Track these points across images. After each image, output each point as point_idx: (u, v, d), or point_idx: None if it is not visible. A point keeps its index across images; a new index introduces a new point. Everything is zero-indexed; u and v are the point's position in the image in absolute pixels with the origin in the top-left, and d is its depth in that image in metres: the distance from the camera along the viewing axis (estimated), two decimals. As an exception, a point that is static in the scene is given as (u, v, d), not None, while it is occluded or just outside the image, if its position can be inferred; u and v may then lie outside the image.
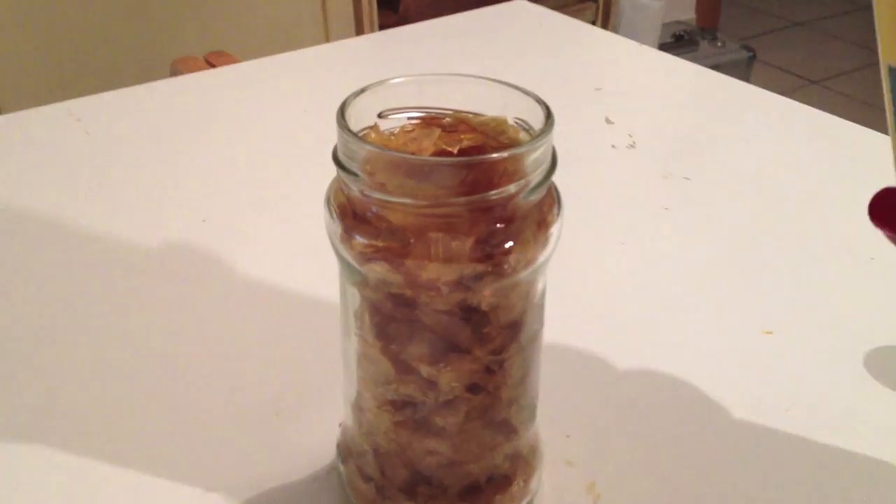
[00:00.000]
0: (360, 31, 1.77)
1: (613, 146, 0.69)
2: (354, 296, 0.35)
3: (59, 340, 0.49)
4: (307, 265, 0.55)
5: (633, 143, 0.70)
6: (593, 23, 2.50)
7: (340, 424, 0.40)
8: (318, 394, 0.45)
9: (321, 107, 0.76)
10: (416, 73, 0.35)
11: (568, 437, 0.43)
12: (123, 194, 0.63)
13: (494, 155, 0.31)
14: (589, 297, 0.52)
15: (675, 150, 0.70)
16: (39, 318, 0.51)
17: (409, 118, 0.35)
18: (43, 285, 0.54)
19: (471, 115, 0.35)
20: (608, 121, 0.73)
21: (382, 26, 1.87)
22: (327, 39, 1.71)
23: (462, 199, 0.31)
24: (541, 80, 0.79)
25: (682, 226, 0.60)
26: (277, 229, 0.59)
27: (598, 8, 2.50)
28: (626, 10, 2.58)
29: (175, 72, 0.85)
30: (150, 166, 0.66)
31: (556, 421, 0.43)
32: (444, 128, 0.35)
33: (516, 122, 0.34)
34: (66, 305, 0.52)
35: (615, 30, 2.57)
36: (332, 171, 0.33)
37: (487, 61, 0.84)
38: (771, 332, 0.49)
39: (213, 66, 0.85)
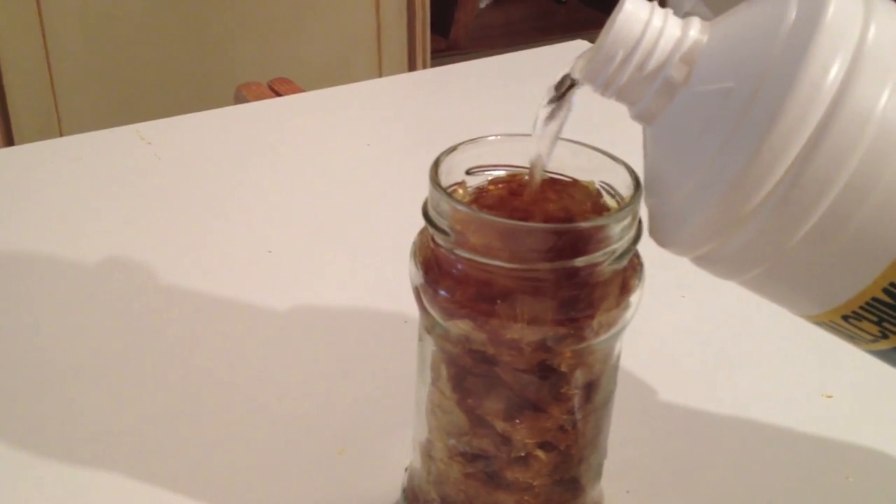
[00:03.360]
0: (412, 56, 1.78)
1: (673, 195, 0.70)
2: (432, 346, 0.35)
3: (121, 368, 0.50)
4: (376, 301, 0.56)
5: (693, 192, 0.70)
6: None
7: (407, 469, 0.41)
8: (384, 435, 0.46)
9: (384, 141, 0.77)
10: (505, 133, 0.36)
11: (628, 492, 0.43)
12: (191, 222, 0.64)
13: (586, 223, 0.31)
14: (647, 350, 0.52)
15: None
16: (101, 343, 0.52)
17: (497, 177, 0.36)
18: (105, 310, 0.55)
19: (557, 177, 0.36)
20: (667, 168, 0.74)
21: (433, 51, 1.88)
22: (380, 65, 1.72)
23: (550, 265, 0.31)
24: (598, 125, 0.80)
25: (741, 281, 0.60)
26: (345, 264, 0.60)
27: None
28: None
29: (240, 97, 0.86)
30: (218, 193, 0.68)
31: (616, 475, 0.43)
32: (530, 189, 0.35)
33: (602, 187, 0.35)
34: (129, 333, 0.53)
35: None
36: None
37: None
38: (831, 396, 0.49)
39: (277, 93, 0.87)
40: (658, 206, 0.32)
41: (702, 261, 0.32)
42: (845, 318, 0.31)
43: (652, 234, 0.33)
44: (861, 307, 0.30)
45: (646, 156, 0.33)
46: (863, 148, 0.28)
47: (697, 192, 0.30)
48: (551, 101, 0.34)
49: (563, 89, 0.34)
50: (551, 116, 0.34)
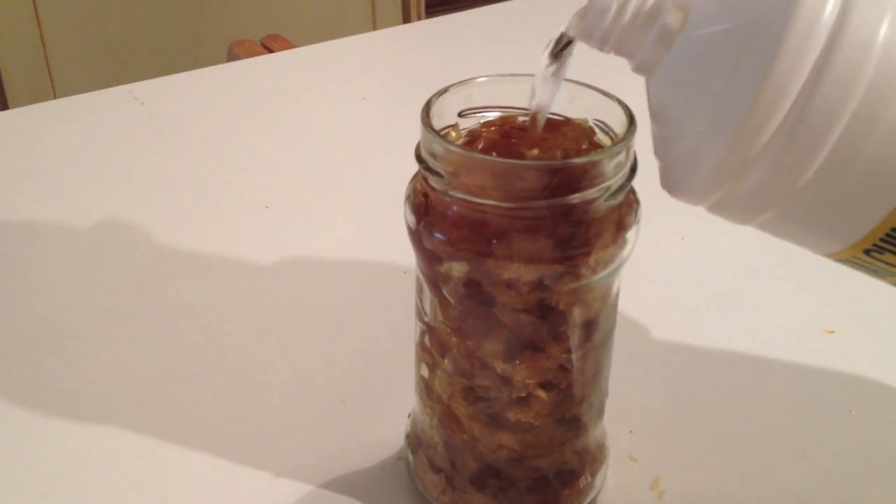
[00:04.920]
0: (406, 8, 1.77)
1: (671, 138, 0.69)
2: (430, 289, 0.35)
3: (122, 327, 0.50)
4: (375, 253, 0.56)
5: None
6: None
7: (409, 415, 0.41)
8: (385, 383, 0.46)
9: (379, 94, 0.76)
10: (497, 73, 0.35)
11: (631, 432, 0.43)
12: (186, 180, 0.64)
13: (579, 159, 0.31)
14: (648, 292, 0.52)
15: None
16: (101, 303, 0.52)
17: (489, 119, 0.35)
18: (104, 270, 0.55)
19: (551, 116, 0.35)
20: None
21: (428, 3, 1.87)
22: (374, 18, 1.71)
23: (545, 203, 0.31)
24: (597, 69, 0.79)
25: (741, 221, 0.60)
26: (342, 217, 0.60)
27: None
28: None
29: (232, 55, 0.85)
30: (213, 151, 0.67)
31: (619, 416, 0.43)
32: (523, 128, 0.35)
33: (596, 124, 0.35)
34: (128, 292, 0.53)
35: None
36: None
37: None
38: (833, 331, 0.49)
39: (269, 50, 0.86)
40: (666, 157, 0.32)
41: (716, 207, 0.31)
42: (867, 252, 0.31)
43: (663, 185, 0.32)
44: (882, 239, 0.30)
45: (650, 108, 0.33)
46: (866, 78, 0.27)
47: (703, 139, 0.29)
48: (550, 61, 0.33)
49: (560, 48, 0.33)
50: (550, 74, 0.33)
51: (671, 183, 0.32)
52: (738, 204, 0.30)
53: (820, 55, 0.27)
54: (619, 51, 0.32)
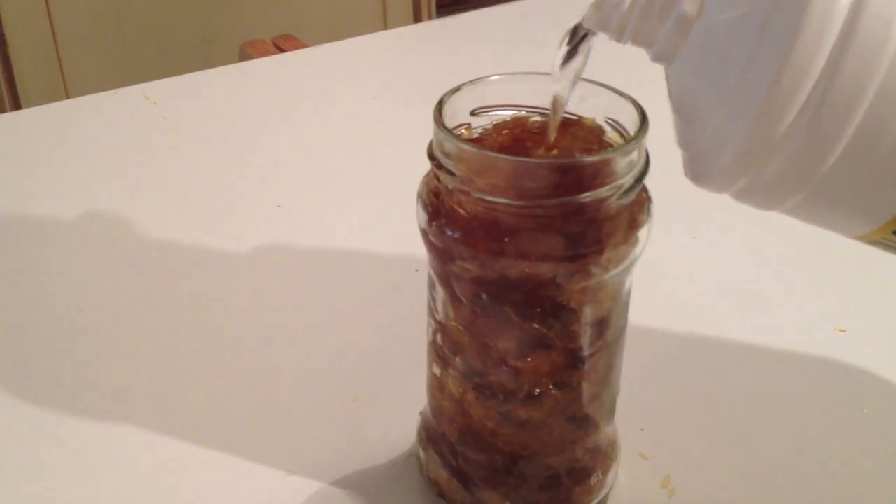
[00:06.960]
0: (417, 7, 1.77)
1: (682, 137, 0.69)
2: (442, 287, 0.35)
3: (135, 325, 0.51)
4: (386, 251, 0.56)
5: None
6: None
7: (421, 412, 0.41)
8: (397, 380, 0.46)
9: (390, 94, 0.76)
10: (508, 72, 0.35)
11: (642, 430, 0.43)
12: (199, 179, 0.64)
13: (590, 158, 0.31)
14: (660, 290, 0.52)
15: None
16: (114, 301, 0.52)
17: (502, 119, 0.36)
18: (116, 268, 0.55)
19: (562, 115, 0.35)
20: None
21: (440, 5, 1.87)
22: (385, 17, 1.71)
23: (556, 201, 0.31)
24: (609, 67, 0.79)
25: (753, 220, 0.59)
26: (353, 216, 0.60)
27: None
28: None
29: (244, 55, 0.86)
30: (225, 151, 0.68)
31: (630, 414, 0.43)
32: (535, 127, 0.35)
33: (607, 122, 0.35)
34: (141, 290, 0.53)
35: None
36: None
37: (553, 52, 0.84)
38: (845, 330, 0.49)
39: (281, 49, 0.86)
40: (690, 146, 0.32)
41: (741, 194, 0.31)
42: None
43: (687, 173, 0.32)
44: None
45: (671, 97, 0.33)
46: (888, 56, 0.27)
47: (726, 125, 0.29)
48: (566, 53, 0.33)
49: (577, 40, 0.33)
50: (567, 65, 0.33)
51: (696, 171, 0.31)
52: (763, 189, 0.30)
53: (840, 35, 0.27)
54: (637, 41, 0.32)
